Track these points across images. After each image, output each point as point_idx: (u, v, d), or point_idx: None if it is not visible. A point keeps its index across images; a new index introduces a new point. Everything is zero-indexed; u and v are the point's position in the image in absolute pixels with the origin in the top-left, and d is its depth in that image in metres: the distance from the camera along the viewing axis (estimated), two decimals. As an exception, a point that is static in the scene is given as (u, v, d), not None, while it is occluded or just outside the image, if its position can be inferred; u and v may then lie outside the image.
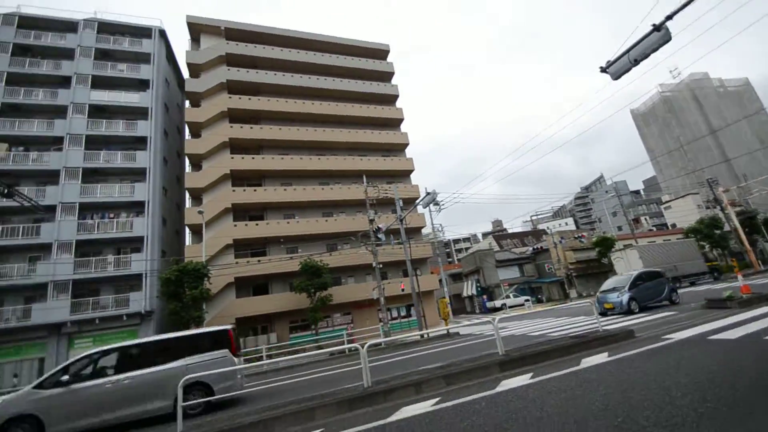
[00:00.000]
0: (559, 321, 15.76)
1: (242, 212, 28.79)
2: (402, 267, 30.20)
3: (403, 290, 25.90)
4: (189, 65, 31.93)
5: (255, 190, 28.99)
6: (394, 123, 37.61)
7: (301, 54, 35.00)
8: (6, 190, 11.58)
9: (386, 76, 39.05)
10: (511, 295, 36.52)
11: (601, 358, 6.66)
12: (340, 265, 28.47)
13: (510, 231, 63.67)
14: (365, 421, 4.84)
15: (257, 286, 27.49)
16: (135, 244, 25.70)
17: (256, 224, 27.98)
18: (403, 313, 29.92)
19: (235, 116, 31.06)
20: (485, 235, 68.82)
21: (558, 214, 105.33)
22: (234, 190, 28.36)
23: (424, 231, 37.88)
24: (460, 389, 5.76)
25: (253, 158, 29.94)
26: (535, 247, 41.72)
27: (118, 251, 25.69)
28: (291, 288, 25.97)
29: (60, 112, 26.86)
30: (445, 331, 17.71)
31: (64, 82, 27.80)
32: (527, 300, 33.43)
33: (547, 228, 62.90)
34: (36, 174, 25.32)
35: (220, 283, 25.32)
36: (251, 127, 30.76)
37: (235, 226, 27.37)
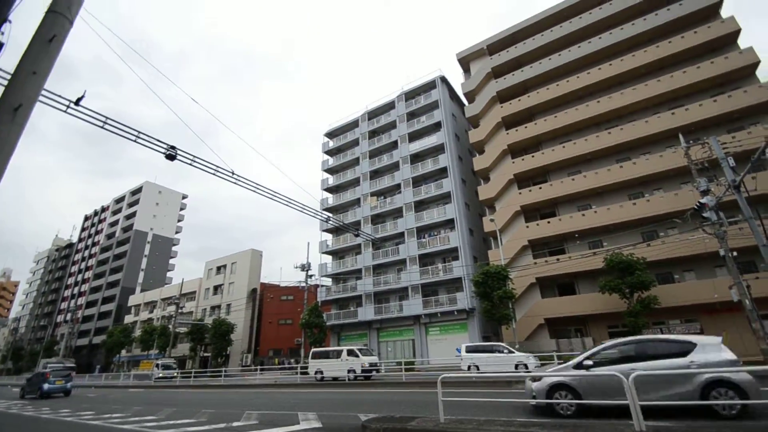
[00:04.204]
0: None
1: (533, 212, 28.84)
2: (791, 251, 19.22)
3: (790, 288, 16.57)
4: (466, 95, 36.61)
5: (540, 188, 28.35)
6: (727, 41, 25.38)
7: (564, 25, 31.39)
8: (356, 232, 18.54)
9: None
10: None
11: None
12: (667, 257, 22.15)
13: None
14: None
15: (561, 285, 26.28)
16: (453, 253, 31.81)
17: (548, 222, 27.12)
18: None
19: (510, 122, 32.12)
20: None
21: None
22: (520, 193, 29.07)
23: None
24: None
25: (533, 156, 29.58)
26: None
27: (444, 260, 32.65)
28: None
29: (395, 167, 38.37)
30: None
31: (394, 145, 39.56)
32: None
33: None
34: (391, 213, 37.23)
35: (524, 283, 26.39)
36: (525, 127, 30.69)
37: (527, 227, 27.81)
